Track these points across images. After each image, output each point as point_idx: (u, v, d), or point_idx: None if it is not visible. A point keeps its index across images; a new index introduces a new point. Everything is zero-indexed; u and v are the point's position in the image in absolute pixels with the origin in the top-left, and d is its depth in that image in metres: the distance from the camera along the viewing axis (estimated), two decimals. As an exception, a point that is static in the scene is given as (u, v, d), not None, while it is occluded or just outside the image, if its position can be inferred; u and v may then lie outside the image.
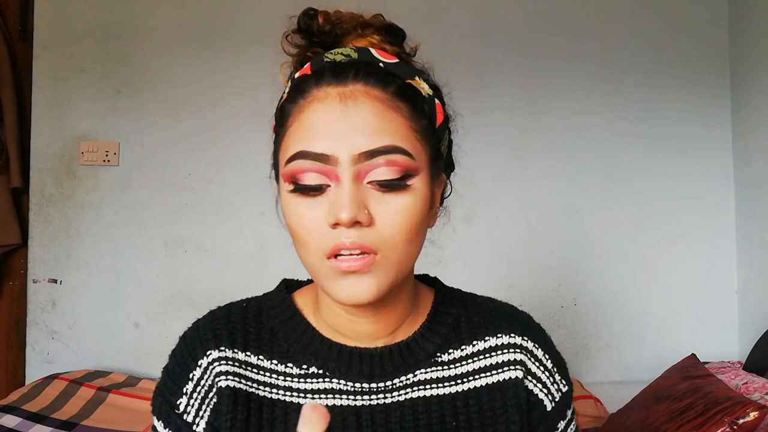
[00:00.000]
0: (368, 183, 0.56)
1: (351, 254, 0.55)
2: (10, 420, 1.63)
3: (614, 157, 2.25)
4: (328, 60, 0.60)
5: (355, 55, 0.60)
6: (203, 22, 2.25)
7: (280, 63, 0.66)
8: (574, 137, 2.25)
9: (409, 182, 0.57)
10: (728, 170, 2.26)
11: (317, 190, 0.56)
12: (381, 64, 0.60)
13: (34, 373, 2.14)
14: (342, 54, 0.60)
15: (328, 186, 0.56)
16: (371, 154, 0.55)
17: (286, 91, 0.62)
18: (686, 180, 2.25)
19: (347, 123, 0.56)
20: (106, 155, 2.19)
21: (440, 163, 0.64)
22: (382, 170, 0.56)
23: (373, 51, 0.61)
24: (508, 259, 2.22)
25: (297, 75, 0.62)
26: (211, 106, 2.22)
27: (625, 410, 1.58)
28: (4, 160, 2.10)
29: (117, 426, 1.66)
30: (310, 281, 0.71)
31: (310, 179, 0.56)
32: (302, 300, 0.68)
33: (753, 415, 1.18)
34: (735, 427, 1.18)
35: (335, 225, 0.55)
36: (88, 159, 2.19)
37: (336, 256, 0.56)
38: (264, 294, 0.70)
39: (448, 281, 0.74)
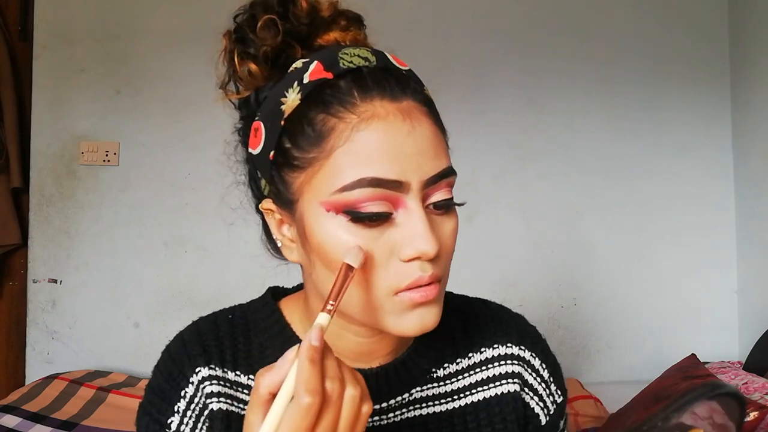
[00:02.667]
0: (426, 207, 0.52)
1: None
2: (10, 420, 1.63)
3: (614, 157, 2.25)
4: (346, 63, 0.53)
5: (373, 60, 0.54)
6: (203, 22, 2.24)
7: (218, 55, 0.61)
8: (574, 137, 2.25)
9: (455, 202, 0.55)
10: (728, 170, 2.26)
11: (384, 218, 0.51)
12: (403, 72, 0.55)
13: (34, 373, 2.13)
14: (360, 57, 0.54)
15: (391, 214, 0.51)
16: (436, 178, 0.52)
17: (297, 96, 0.53)
18: (686, 180, 2.25)
19: (415, 145, 0.51)
20: (106, 155, 2.19)
21: None
22: (440, 193, 0.53)
23: (389, 56, 0.56)
24: (508, 259, 2.22)
25: (309, 79, 0.53)
26: (211, 106, 2.20)
27: (625, 410, 1.57)
28: (4, 160, 2.10)
29: (117, 426, 1.66)
30: (296, 289, 0.68)
31: (374, 206, 0.50)
32: (291, 312, 0.64)
33: (753, 415, 1.18)
34: (735, 427, 1.17)
35: (413, 259, 0.51)
36: (88, 159, 2.18)
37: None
38: (249, 303, 0.66)
39: (448, 282, 0.73)
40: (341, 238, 0.51)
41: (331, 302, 0.48)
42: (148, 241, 2.19)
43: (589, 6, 2.29)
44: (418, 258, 0.51)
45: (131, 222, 2.19)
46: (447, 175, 0.53)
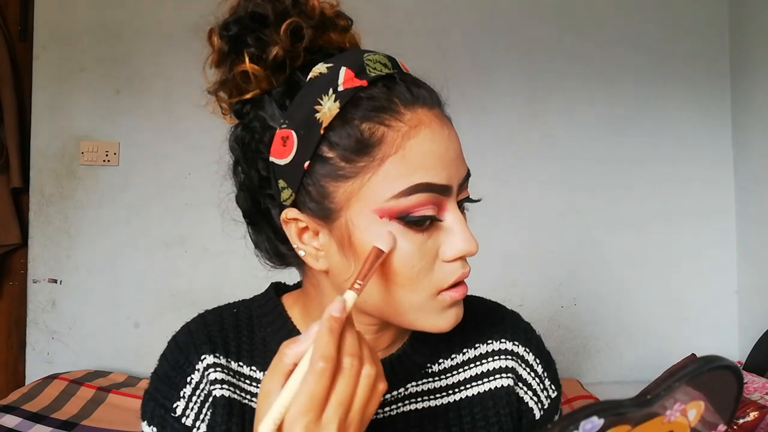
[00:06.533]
0: None
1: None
2: (10, 420, 1.63)
3: (614, 156, 2.25)
4: (372, 70, 0.53)
5: (390, 65, 0.55)
6: (203, 22, 2.24)
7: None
8: (574, 136, 2.25)
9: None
10: (728, 171, 2.26)
11: (433, 221, 0.53)
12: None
13: (34, 373, 2.13)
14: (380, 63, 0.54)
15: (437, 217, 0.54)
16: (464, 179, 0.56)
17: (335, 104, 0.52)
18: (686, 180, 2.25)
19: (454, 150, 0.54)
20: (106, 155, 2.19)
21: None
22: (464, 193, 0.57)
23: (398, 62, 0.57)
24: (508, 259, 2.22)
25: (344, 87, 0.52)
26: (211, 106, 2.21)
27: (625, 410, 1.58)
28: (4, 160, 2.10)
29: (117, 426, 1.66)
30: (296, 286, 0.68)
31: (425, 211, 0.52)
32: (292, 307, 0.65)
33: (753, 415, 1.18)
34: (735, 427, 1.17)
35: (456, 259, 0.54)
36: (88, 159, 2.19)
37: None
38: (254, 298, 0.68)
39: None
40: (397, 244, 0.52)
41: (359, 281, 0.50)
42: (148, 241, 2.19)
43: (590, 5, 2.29)
44: (461, 258, 0.55)
45: (131, 222, 2.19)
46: (469, 176, 0.57)
